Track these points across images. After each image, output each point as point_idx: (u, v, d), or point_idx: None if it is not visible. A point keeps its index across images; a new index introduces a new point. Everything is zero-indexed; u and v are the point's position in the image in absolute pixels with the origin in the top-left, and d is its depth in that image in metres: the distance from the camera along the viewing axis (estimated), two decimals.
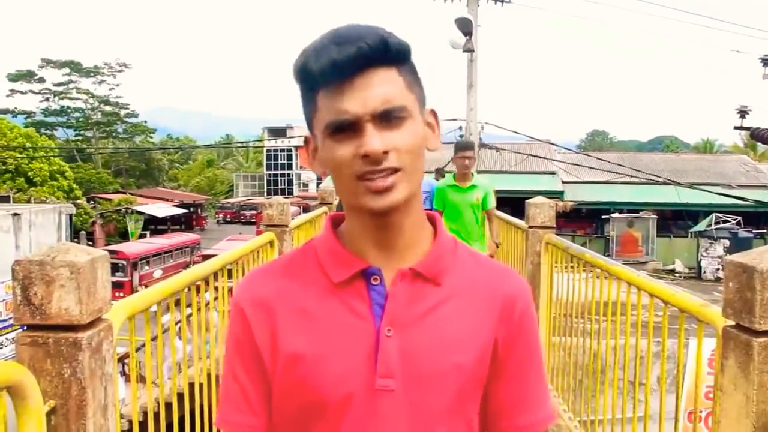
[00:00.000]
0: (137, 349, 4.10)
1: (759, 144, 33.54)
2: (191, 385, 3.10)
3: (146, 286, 25.48)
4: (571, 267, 4.58)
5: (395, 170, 1.04)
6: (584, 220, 28.17)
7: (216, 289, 3.55)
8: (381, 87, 1.04)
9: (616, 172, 20.87)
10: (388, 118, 1.04)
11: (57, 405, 1.72)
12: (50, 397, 1.71)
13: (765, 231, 24.93)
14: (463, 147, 6.33)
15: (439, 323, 1.11)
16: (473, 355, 1.12)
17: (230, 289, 3.89)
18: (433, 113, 1.16)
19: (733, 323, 2.11)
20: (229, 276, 3.86)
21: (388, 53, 1.05)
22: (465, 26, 13.06)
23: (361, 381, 1.08)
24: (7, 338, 12.05)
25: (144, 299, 2.35)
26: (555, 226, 5.41)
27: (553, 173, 28.28)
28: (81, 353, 1.73)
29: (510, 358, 1.17)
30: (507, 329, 1.16)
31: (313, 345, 1.09)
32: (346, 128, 1.04)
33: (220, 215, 60.51)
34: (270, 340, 1.12)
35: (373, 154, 1.02)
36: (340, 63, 1.02)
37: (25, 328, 1.75)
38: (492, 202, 6.23)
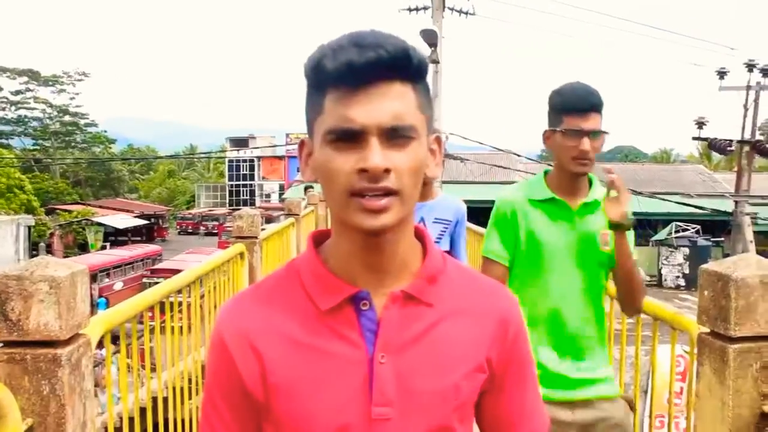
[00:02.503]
0: (97, 365, 4.01)
1: (714, 154, 34.25)
2: (154, 399, 3.06)
3: (107, 299, 24.96)
4: None
5: (392, 192, 0.99)
6: None
7: (175, 304, 3.51)
8: (394, 101, 0.98)
9: None
10: (395, 135, 0.98)
11: (35, 423, 1.69)
12: (28, 415, 1.68)
13: (722, 239, 25.43)
14: (581, 102, 2.42)
15: (433, 345, 1.07)
16: (469, 375, 1.09)
17: (189, 306, 3.85)
18: (438, 140, 1.11)
19: (708, 330, 2.15)
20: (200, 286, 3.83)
21: (409, 67, 1.00)
22: (430, 38, 13.12)
23: (357, 411, 1.03)
24: None
25: (120, 313, 2.32)
26: None
27: (514, 183, 28.52)
28: (60, 369, 1.70)
29: (506, 374, 1.15)
30: (501, 347, 1.13)
31: (304, 376, 1.04)
32: (349, 138, 0.98)
33: (182, 226, 59.83)
34: (258, 374, 1.06)
35: (373, 170, 0.96)
36: (358, 67, 0.96)
37: (2, 344, 1.71)
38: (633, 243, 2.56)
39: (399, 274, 1.09)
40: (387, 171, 0.97)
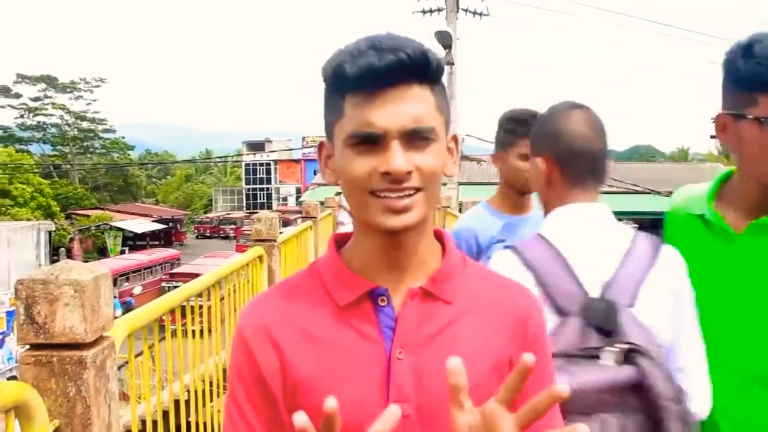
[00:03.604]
0: (120, 367, 4.07)
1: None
2: (176, 402, 3.09)
3: (126, 303, 25.23)
4: None
5: (416, 190, 1.01)
6: None
7: (194, 308, 3.54)
8: (414, 104, 1.00)
9: None
10: (415, 138, 1.00)
11: (62, 424, 1.71)
12: (55, 416, 1.70)
13: None
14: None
15: (451, 343, 1.07)
16: (489, 373, 1.08)
17: (209, 308, 3.88)
18: (455, 139, 1.13)
19: None
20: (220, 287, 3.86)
21: (428, 70, 1.01)
22: (444, 39, 13.14)
23: (374, 407, 1.02)
24: None
25: (143, 316, 2.35)
26: None
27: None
28: (86, 371, 1.72)
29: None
30: (520, 346, 1.11)
31: (322, 371, 1.05)
32: (371, 141, 0.99)
33: (200, 230, 60.16)
34: (278, 368, 1.08)
35: (396, 173, 0.98)
36: (378, 71, 0.97)
37: (29, 347, 1.73)
38: None
39: (418, 272, 1.10)
40: (409, 173, 0.99)
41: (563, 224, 1.69)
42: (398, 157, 0.98)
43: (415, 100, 1.00)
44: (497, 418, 0.88)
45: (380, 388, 1.04)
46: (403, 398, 1.03)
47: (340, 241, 1.17)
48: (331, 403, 0.82)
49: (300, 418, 0.80)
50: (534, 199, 2.70)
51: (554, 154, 1.72)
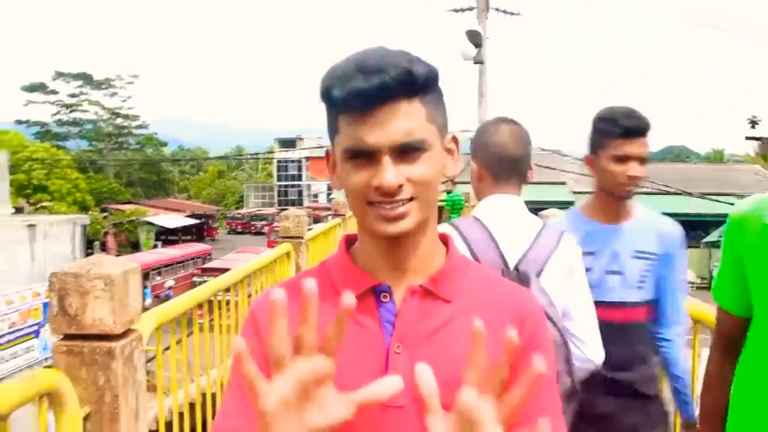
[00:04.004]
0: (149, 360, 4.15)
1: None
2: (203, 396, 3.17)
3: (158, 297, 25.63)
4: None
5: (409, 199, 1.06)
6: None
7: (226, 303, 3.61)
8: (401, 120, 1.04)
9: None
10: (406, 151, 1.05)
11: (92, 411, 1.79)
12: (85, 404, 1.78)
13: None
14: None
15: (448, 340, 1.11)
16: None
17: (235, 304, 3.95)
18: (454, 139, 1.17)
19: None
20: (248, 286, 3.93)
21: (413, 85, 1.05)
22: (475, 38, 13.15)
23: None
24: (21, 348, 12.16)
25: (170, 310, 2.42)
26: None
27: (563, 183, 28.27)
28: (114, 362, 1.80)
29: (520, 374, 1.08)
30: (519, 347, 1.07)
31: None
32: (364, 156, 1.05)
33: (231, 226, 60.62)
34: None
35: (386, 188, 1.04)
36: (364, 94, 1.02)
37: (62, 337, 1.82)
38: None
39: (420, 271, 1.15)
40: (400, 186, 1.04)
41: (490, 210, 2.14)
42: (388, 173, 1.03)
43: (403, 116, 1.04)
44: (474, 414, 0.89)
45: (377, 378, 1.04)
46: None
47: (351, 240, 1.23)
48: (309, 283, 0.88)
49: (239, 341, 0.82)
50: (636, 208, 2.55)
51: (482, 159, 2.18)
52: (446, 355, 1.09)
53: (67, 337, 1.80)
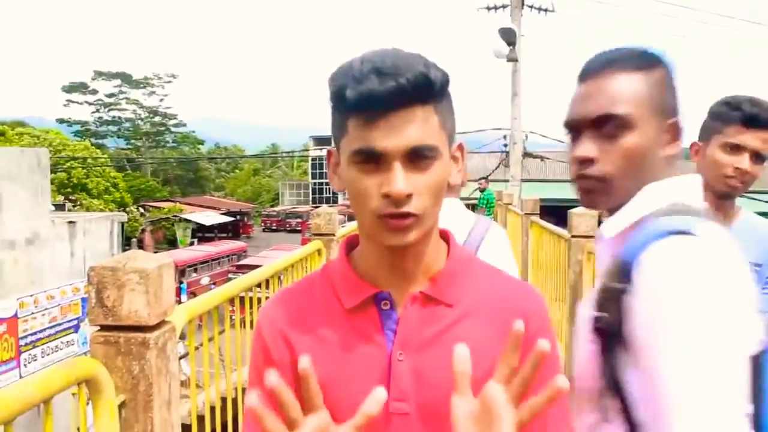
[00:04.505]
0: (182, 357, 4.26)
1: None
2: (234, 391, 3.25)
3: (194, 294, 25.97)
4: None
5: (413, 215, 1.02)
6: None
7: (257, 301, 3.69)
8: (415, 126, 1.00)
9: None
10: (417, 158, 1.01)
11: (127, 399, 1.88)
12: (121, 392, 1.87)
13: None
14: None
15: (450, 345, 1.02)
16: (487, 375, 1.02)
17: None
18: (460, 147, 1.14)
19: None
20: (279, 283, 4.02)
21: (429, 90, 1.01)
22: (508, 36, 13.12)
23: None
24: (62, 341, 12.45)
25: (203, 304, 2.51)
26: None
27: None
28: (149, 352, 1.88)
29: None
30: (524, 347, 1.04)
31: (326, 370, 1.08)
32: (373, 161, 1.02)
33: (266, 223, 61.16)
34: (288, 362, 1.12)
35: (396, 196, 1.00)
36: (379, 96, 0.98)
37: (99, 328, 1.91)
38: None
39: (421, 276, 1.13)
40: (409, 196, 1.01)
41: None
42: (399, 180, 1.00)
43: (416, 122, 1.01)
44: (497, 406, 0.89)
45: (381, 387, 1.06)
46: (403, 397, 1.08)
47: (351, 244, 1.22)
48: (303, 361, 0.88)
49: (271, 377, 0.86)
50: (741, 212, 2.22)
51: None
52: (448, 361, 1.03)
53: (104, 328, 1.89)
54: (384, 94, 0.98)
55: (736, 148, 2.02)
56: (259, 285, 3.52)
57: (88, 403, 1.80)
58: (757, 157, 2.02)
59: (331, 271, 1.20)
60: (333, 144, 1.14)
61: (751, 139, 2.01)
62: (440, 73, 1.03)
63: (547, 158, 23.15)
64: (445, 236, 1.20)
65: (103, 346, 1.88)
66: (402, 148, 1.00)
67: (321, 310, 1.15)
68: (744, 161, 2.01)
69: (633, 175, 1.26)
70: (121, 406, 1.87)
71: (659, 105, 1.26)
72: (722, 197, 2.09)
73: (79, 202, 36.18)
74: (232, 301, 2.95)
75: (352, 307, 1.13)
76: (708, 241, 1.13)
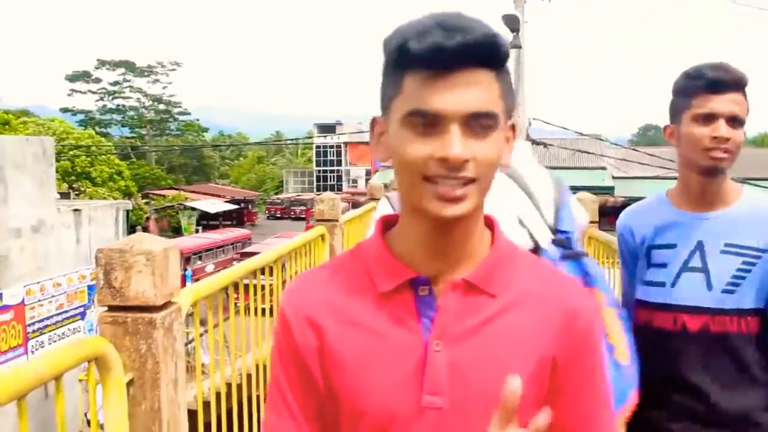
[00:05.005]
0: (188, 343, 4.31)
1: None
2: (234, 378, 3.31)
3: (198, 281, 26.32)
4: (616, 262, 4.59)
5: (471, 180, 0.95)
6: None
7: (260, 287, 3.74)
8: (479, 89, 0.95)
9: (669, 168, 20.59)
10: (476, 124, 0.95)
11: (135, 377, 1.93)
12: (129, 370, 1.92)
13: None
14: None
15: (492, 338, 1.03)
16: (528, 372, 1.03)
17: (283, 283, 4.09)
18: (513, 128, 1.06)
19: None
20: (282, 269, 4.07)
21: (497, 55, 0.97)
22: (512, 23, 13.09)
23: (407, 397, 1.02)
24: (68, 329, 12.55)
25: (207, 287, 2.57)
26: (598, 221, 5.47)
27: (603, 169, 28.02)
28: (156, 331, 1.94)
29: (570, 378, 1.08)
30: (567, 346, 1.06)
31: (357, 356, 1.05)
32: (429, 123, 0.95)
33: (271, 211, 61.19)
34: (316, 348, 1.08)
35: (454, 161, 0.93)
36: (446, 50, 0.92)
37: (107, 308, 1.96)
38: None
39: (464, 262, 1.06)
40: (466, 161, 0.94)
41: None
42: (457, 144, 0.93)
43: (479, 85, 0.95)
44: None
45: (414, 378, 1.02)
46: (437, 391, 1.02)
47: (388, 223, 1.14)
48: None
49: None
50: (743, 191, 2.04)
51: None
52: (488, 354, 1.03)
53: (112, 308, 1.94)
54: (451, 49, 0.92)
55: (708, 118, 1.90)
56: (263, 272, 3.58)
57: (97, 386, 1.86)
58: (734, 121, 1.90)
59: (364, 252, 1.13)
60: (382, 110, 1.06)
61: (721, 103, 1.89)
62: (505, 40, 0.98)
63: (552, 145, 23.14)
64: (489, 222, 1.12)
65: (111, 326, 1.93)
66: (462, 110, 0.94)
67: (353, 292, 1.09)
68: (720, 128, 1.88)
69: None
70: (129, 384, 1.92)
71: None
72: (710, 174, 1.96)
73: (83, 190, 36.27)
74: (236, 288, 3.00)
75: (388, 290, 1.06)
76: None
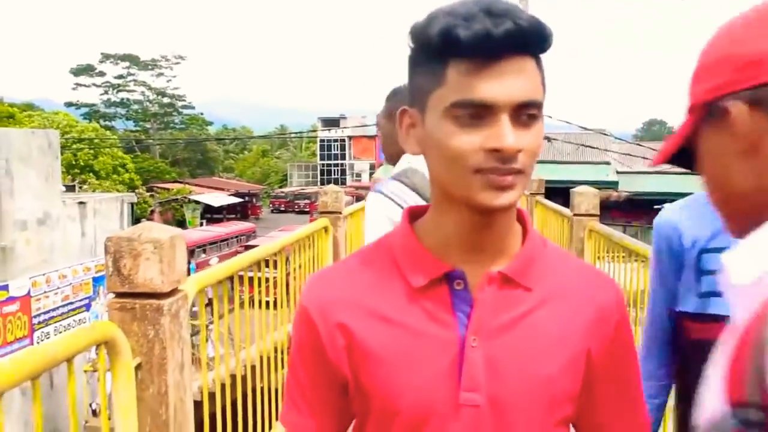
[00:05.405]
0: (194, 334, 4.39)
1: None
2: (245, 368, 3.37)
3: None
4: (621, 256, 4.61)
5: (518, 171, 0.93)
6: (639, 211, 27.87)
7: (264, 280, 3.80)
8: (526, 78, 0.92)
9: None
10: (523, 114, 0.92)
11: (143, 361, 1.99)
12: (137, 355, 1.98)
13: None
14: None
15: (528, 332, 1.01)
16: (565, 367, 1.02)
17: (287, 275, 4.15)
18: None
19: None
20: (287, 261, 4.13)
21: (542, 41, 0.94)
22: None
23: (444, 394, 0.99)
24: (74, 320, 12.65)
25: (212, 276, 2.63)
26: (598, 214, 5.51)
27: (607, 163, 28.05)
28: (163, 317, 2.00)
29: (606, 371, 1.07)
30: (602, 340, 1.06)
31: (392, 353, 1.01)
32: (477, 114, 0.91)
33: (275, 204, 61.30)
34: (343, 346, 1.04)
35: (507, 151, 0.90)
36: (496, 37, 0.88)
37: (116, 295, 2.02)
38: None
39: (498, 255, 1.03)
40: (518, 152, 0.92)
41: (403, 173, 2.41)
42: (509, 134, 0.90)
43: (526, 73, 0.93)
44: None
45: (451, 374, 1.00)
46: (475, 387, 0.99)
47: (414, 214, 1.10)
48: None
49: None
50: None
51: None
52: (526, 349, 1.01)
53: (120, 295, 2.00)
54: (501, 36, 0.88)
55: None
56: (267, 264, 3.63)
57: (107, 372, 1.92)
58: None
59: (392, 246, 1.09)
60: (413, 101, 1.01)
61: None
62: (551, 29, 0.95)
63: (556, 139, 23.16)
64: (520, 216, 1.09)
65: (119, 312, 1.99)
66: (513, 100, 0.91)
67: (382, 287, 1.05)
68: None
69: None
70: (137, 368, 1.98)
71: None
72: None
73: (87, 182, 36.36)
74: (240, 280, 3.06)
75: (421, 286, 1.02)
76: None
